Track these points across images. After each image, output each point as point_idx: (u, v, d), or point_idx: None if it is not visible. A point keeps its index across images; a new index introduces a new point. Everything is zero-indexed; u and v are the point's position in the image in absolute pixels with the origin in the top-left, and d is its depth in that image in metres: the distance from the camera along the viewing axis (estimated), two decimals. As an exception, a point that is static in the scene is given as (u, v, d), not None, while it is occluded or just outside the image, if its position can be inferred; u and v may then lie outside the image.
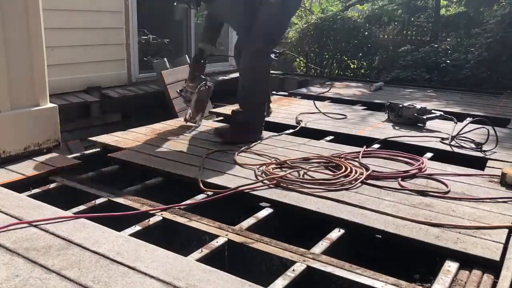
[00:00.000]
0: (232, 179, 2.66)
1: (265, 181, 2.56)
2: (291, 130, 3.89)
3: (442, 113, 4.30)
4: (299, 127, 3.99)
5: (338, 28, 9.20)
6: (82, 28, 4.99)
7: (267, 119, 4.09)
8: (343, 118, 4.36)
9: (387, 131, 3.98)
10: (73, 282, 1.57)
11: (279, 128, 3.97)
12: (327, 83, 6.76)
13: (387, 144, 3.57)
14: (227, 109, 4.81)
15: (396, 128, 4.10)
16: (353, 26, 9.33)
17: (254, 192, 2.46)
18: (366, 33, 9.44)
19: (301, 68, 10.41)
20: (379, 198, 2.42)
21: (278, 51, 4.16)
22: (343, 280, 1.70)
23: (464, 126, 3.78)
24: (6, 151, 2.86)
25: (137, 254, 1.77)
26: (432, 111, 4.30)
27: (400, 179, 2.69)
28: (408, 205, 2.33)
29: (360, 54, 9.41)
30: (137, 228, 2.03)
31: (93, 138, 3.42)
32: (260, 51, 3.40)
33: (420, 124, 4.12)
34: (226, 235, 1.99)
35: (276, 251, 1.87)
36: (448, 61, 7.67)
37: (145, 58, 6.03)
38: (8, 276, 1.58)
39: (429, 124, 4.14)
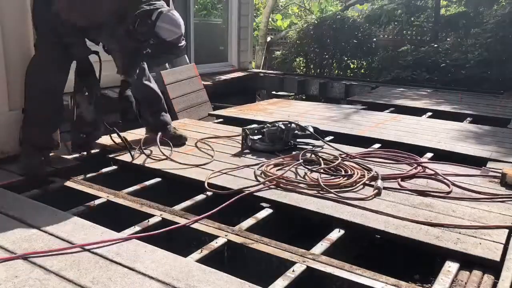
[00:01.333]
0: (232, 179, 2.65)
1: (266, 183, 2.56)
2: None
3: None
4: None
5: (338, 28, 9.19)
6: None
7: (267, 119, 4.08)
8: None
9: (387, 131, 3.97)
10: (72, 282, 1.56)
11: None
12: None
13: (387, 144, 3.56)
14: (227, 111, 4.81)
15: (394, 128, 4.09)
16: (353, 26, 9.33)
17: (255, 193, 2.45)
18: (366, 33, 9.43)
19: (301, 68, 10.40)
20: (379, 199, 2.41)
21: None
22: (343, 280, 1.69)
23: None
24: (5, 152, 2.86)
25: (137, 254, 1.76)
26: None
27: (400, 179, 2.68)
28: (408, 205, 2.33)
29: (359, 54, 9.40)
30: (136, 228, 2.02)
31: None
32: None
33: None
34: (226, 235, 1.98)
35: (276, 251, 1.86)
36: (448, 61, 7.67)
37: (144, 58, 6.02)
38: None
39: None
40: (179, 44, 2.70)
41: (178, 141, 3.21)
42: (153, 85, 3.39)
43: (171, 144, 3.20)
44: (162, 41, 2.59)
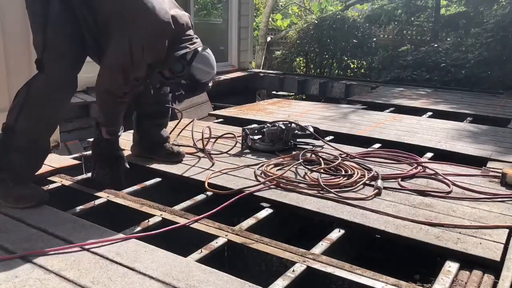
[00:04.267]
0: (232, 179, 2.65)
1: (267, 183, 2.55)
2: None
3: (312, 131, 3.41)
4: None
5: (338, 27, 9.20)
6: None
7: (267, 119, 4.09)
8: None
9: (387, 131, 3.97)
10: (72, 282, 1.56)
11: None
12: None
13: (387, 144, 3.56)
14: (227, 111, 4.81)
15: (394, 128, 4.09)
16: (353, 26, 9.33)
17: (254, 193, 2.45)
18: (366, 33, 9.43)
19: (301, 68, 10.40)
20: (379, 198, 2.41)
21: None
22: (343, 280, 1.69)
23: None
24: (5, 152, 2.86)
25: (137, 254, 1.76)
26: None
27: (400, 179, 2.68)
28: (409, 205, 2.33)
29: (359, 54, 9.41)
30: (136, 228, 2.02)
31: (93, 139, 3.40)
32: None
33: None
34: (226, 235, 1.98)
35: (276, 251, 1.86)
36: (448, 61, 7.67)
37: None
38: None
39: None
40: (209, 84, 2.58)
41: (176, 158, 2.97)
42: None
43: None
44: (196, 82, 2.45)
